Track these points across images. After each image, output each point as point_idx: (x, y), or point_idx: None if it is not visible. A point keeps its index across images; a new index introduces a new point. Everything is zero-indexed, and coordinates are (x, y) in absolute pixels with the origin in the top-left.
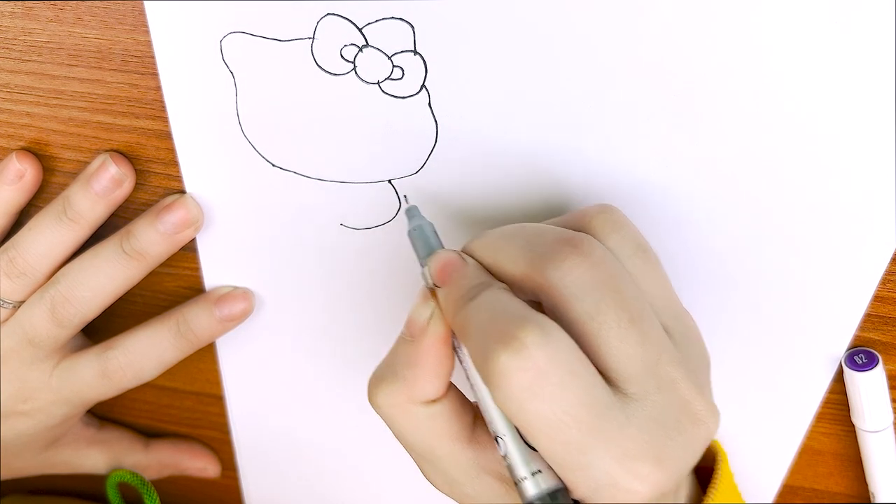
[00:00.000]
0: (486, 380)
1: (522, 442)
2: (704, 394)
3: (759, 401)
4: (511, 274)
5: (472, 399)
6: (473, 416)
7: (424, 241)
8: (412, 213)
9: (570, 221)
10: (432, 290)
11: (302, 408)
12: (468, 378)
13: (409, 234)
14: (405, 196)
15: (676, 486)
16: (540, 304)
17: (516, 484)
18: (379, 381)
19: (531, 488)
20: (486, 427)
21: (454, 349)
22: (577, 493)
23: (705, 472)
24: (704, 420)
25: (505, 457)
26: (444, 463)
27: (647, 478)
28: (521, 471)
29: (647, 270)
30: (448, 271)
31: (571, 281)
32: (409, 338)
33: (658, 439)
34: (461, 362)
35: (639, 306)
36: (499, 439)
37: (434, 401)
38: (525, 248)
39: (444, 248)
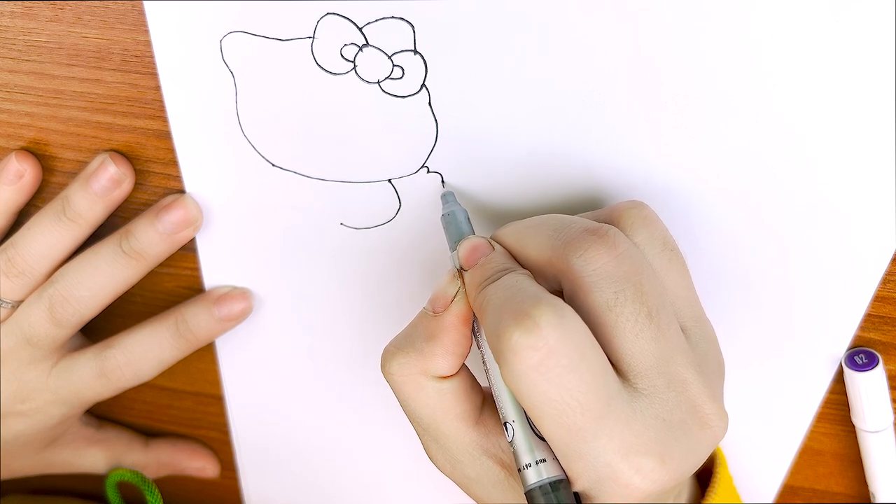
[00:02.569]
0: (498, 357)
1: (530, 430)
2: (715, 399)
3: (760, 401)
4: (535, 260)
5: (484, 385)
6: (482, 400)
7: (456, 226)
8: (447, 198)
9: (600, 215)
10: (459, 272)
11: (302, 408)
12: (484, 362)
13: (443, 218)
14: (442, 180)
15: (678, 487)
16: (562, 292)
17: (519, 471)
18: (395, 350)
19: (533, 476)
20: (494, 413)
21: (473, 332)
22: (579, 484)
23: (705, 474)
24: (712, 424)
25: (511, 442)
26: (448, 441)
27: (648, 474)
28: (526, 458)
29: (672, 270)
30: (475, 255)
31: (593, 269)
32: (431, 313)
33: (663, 437)
34: (479, 346)
35: (658, 303)
36: (507, 424)
37: (446, 377)
38: (551, 237)
39: (474, 233)
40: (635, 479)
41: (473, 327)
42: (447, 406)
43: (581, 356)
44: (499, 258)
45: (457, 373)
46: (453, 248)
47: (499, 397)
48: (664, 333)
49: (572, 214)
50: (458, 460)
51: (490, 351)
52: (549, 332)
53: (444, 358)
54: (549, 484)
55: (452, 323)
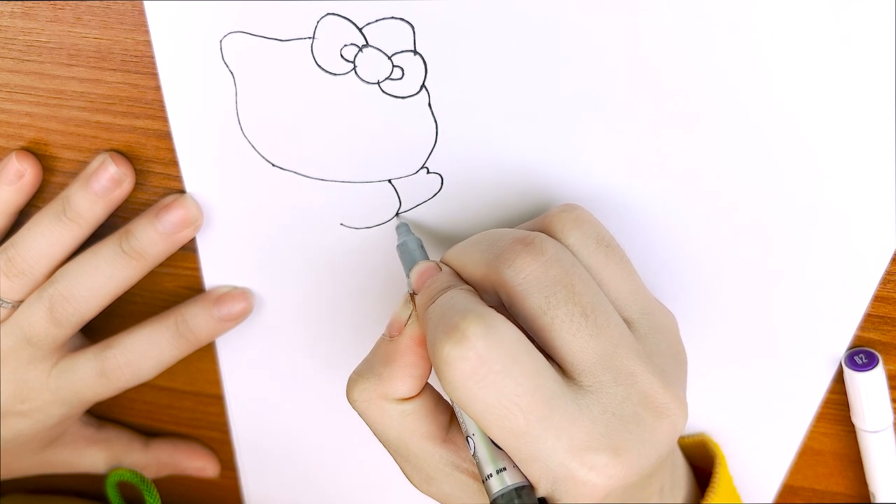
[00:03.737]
0: (436, 371)
1: (490, 441)
2: (670, 387)
3: (760, 401)
4: (474, 276)
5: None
6: (450, 417)
7: (409, 254)
8: (401, 230)
9: (534, 223)
10: (412, 296)
11: (302, 408)
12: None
13: (397, 248)
14: (397, 213)
15: (640, 478)
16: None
17: (484, 482)
18: (356, 377)
19: (496, 485)
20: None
21: None
22: (541, 488)
23: (704, 474)
24: (668, 413)
25: (474, 455)
26: (419, 460)
27: (603, 469)
28: (488, 468)
29: (609, 265)
30: (423, 278)
31: (523, 278)
32: (388, 338)
33: (614, 431)
34: None
35: (593, 301)
36: (469, 438)
37: (407, 399)
38: (485, 252)
39: (427, 259)
40: (591, 477)
41: None
42: (412, 427)
43: (513, 360)
44: (443, 278)
45: (419, 394)
46: (408, 274)
47: (459, 413)
48: (603, 329)
49: None
50: (432, 477)
51: None
52: (476, 342)
53: (402, 381)
54: (514, 490)
55: (407, 345)
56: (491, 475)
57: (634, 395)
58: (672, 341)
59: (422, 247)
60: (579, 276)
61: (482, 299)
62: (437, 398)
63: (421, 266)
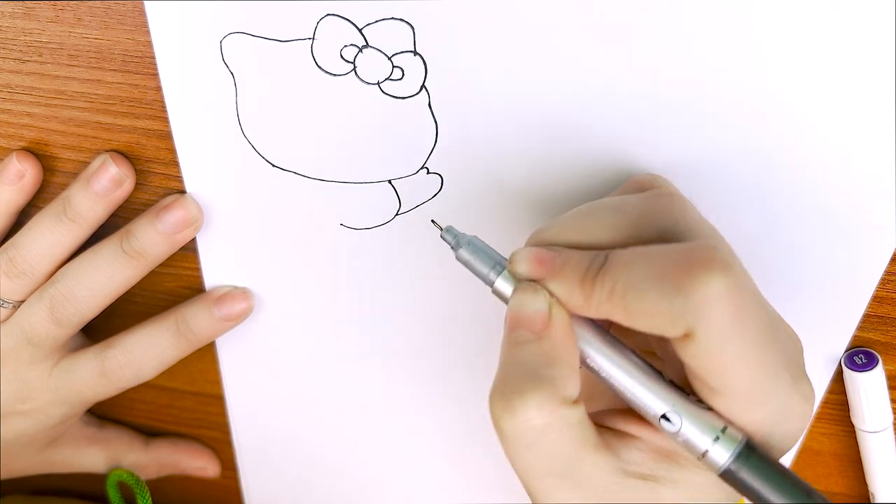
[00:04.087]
0: (692, 315)
1: (695, 406)
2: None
3: None
4: (605, 241)
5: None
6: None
7: (483, 251)
8: (452, 232)
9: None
10: (537, 284)
11: (302, 408)
12: (598, 370)
13: (467, 247)
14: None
15: None
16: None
17: (703, 456)
18: (522, 391)
19: (722, 451)
20: (609, 432)
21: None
22: (758, 435)
23: None
24: (795, 337)
25: (678, 433)
26: (592, 479)
27: (810, 396)
28: (706, 437)
29: None
30: (547, 260)
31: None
32: (531, 336)
33: (792, 359)
34: (586, 359)
35: None
36: (667, 416)
37: (576, 402)
38: (615, 216)
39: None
40: (804, 408)
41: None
42: (587, 435)
43: (753, 294)
44: (576, 252)
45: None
46: (496, 271)
47: (641, 395)
48: None
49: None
50: (602, 495)
51: (611, 345)
52: (739, 271)
53: (573, 378)
54: (746, 447)
55: (565, 337)
56: (717, 438)
57: (779, 324)
58: None
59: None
60: None
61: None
62: None
63: (530, 251)
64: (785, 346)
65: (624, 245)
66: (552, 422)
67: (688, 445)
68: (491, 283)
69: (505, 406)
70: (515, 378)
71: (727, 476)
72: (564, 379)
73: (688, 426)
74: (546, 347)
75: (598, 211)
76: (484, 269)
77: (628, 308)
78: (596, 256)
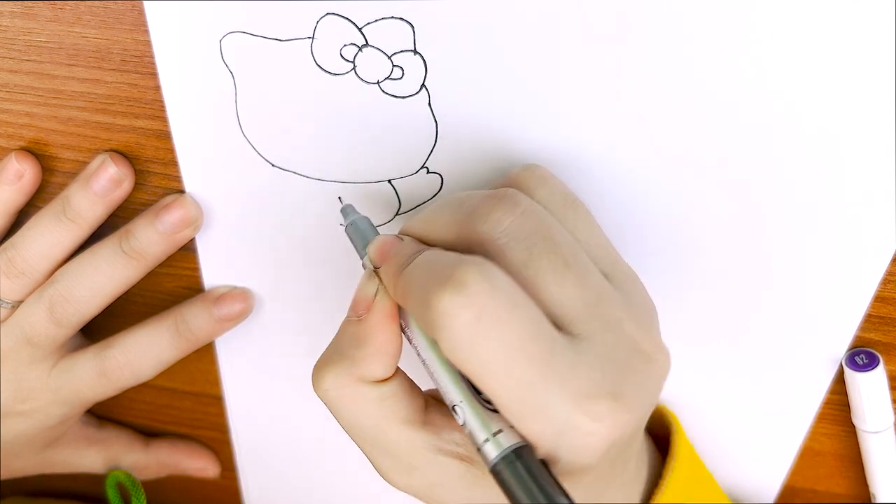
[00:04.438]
0: (432, 328)
1: (480, 406)
2: (652, 333)
3: (760, 401)
4: (444, 239)
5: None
6: (425, 400)
7: (360, 233)
8: (347, 210)
9: (497, 184)
10: (374, 271)
11: (302, 408)
12: (419, 355)
13: (346, 229)
14: (339, 197)
15: (635, 429)
16: None
17: (479, 451)
18: (324, 364)
19: (492, 450)
20: (440, 409)
21: (402, 330)
22: (541, 448)
23: (664, 442)
24: (656, 358)
25: (464, 425)
26: (399, 448)
27: (605, 417)
28: (481, 434)
29: (578, 220)
30: (385, 249)
31: (502, 231)
32: (355, 318)
33: (611, 376)
34: (410, 341)
35: (572, 251)
36: (456, 408)
37: (383, 381)
38: (455, 212)
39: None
40: (595, 426)
41: (401, 324)
42: (391, 411)
43: (513, 306)
44: (409, 245)
45: (393, 375)
46: (363, 254)
47: (441, 384)
48: (585, 279)
49: None
50: (414, 466)
51: (422, 336)
52: (477, 288)
53: (377, 360)
54: (514, 452)
55: (379, 321)
56: (487, 440)
57: (623, 342)
58: (642, 292)
59: (372, 225)
60: (556, 226)
61: None
62: (411, 381)
63: (379, 239)
64: (576, 368)
65: (454, 241)
66: (344, 395)
67: (471, 439)
68: (363, 266)
69: (314, 375)
70: (327, 353)
71: (494, 475)
72: (367, 359)
73: (470, 422)
74: (359, 330)
75: (444, 206)
76: (359, 251)
77: (409, 310)
78: (412, 254)
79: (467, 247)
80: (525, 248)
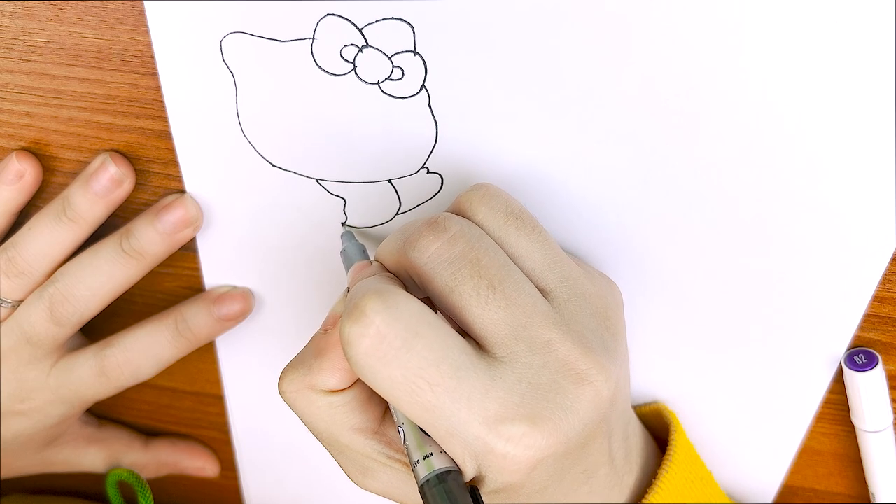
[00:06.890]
0: (344, 353)
1: (419, 428)
2: (591, 353)
3: (759, 401)
4: (389, 266)
5: None
6: (384, 411)
7: (349, 259)
8: (345, 237)
9: (449, 208)
10: (347, 291)
11: None
12: None
13: (340, 254)
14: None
15: (569, 448)
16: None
17: (413, 470)
18: (288, 368)
19: (422, 471)
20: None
21: None
22: (468, 469)
23: (664, 443)
24: (590, 379)
25: (405, 443)
26: (351, 452)
27: (521, 440)
28: (415, 455)
29: (520, 237)
30: (355, 273)
31: (428, 258)
32: (322, 331)
33: (530, 400)
34: None
35: (500, 273)
36: (399, 428)
37: (338, 391)
38: (397, 239)
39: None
40: (509, 449)
41: None
42: (341, 419)
43: (414, 334)
44: (369, 270)
45: (350, 387)
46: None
47: (390, 404)
48: (513, 300)
49: (574, 213)
50: (367, 468)
51: None
52: (374, 317)
53: (331, 372)
54: (437, 476)
55: (338, 338)
56: (418, 462)
57: (552, 364)
58: (598, 308)
59: (364, 251)
60: (485, 249)
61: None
62: (371, 392)
63: (357, 264)
64: (489, 392)
65: (395, 268)
66: (298, 399)
67: (408, 457)
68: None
69: (280, 375)
70: (294, 358)
71: (421, 495)
72: (322, 370)
73: (408, 442)
74: (322, 342)
75: (394, 232)
76: (348, 274)
77: None
78: (367, 279)
79: (406, 272)
80: (450, 274)
